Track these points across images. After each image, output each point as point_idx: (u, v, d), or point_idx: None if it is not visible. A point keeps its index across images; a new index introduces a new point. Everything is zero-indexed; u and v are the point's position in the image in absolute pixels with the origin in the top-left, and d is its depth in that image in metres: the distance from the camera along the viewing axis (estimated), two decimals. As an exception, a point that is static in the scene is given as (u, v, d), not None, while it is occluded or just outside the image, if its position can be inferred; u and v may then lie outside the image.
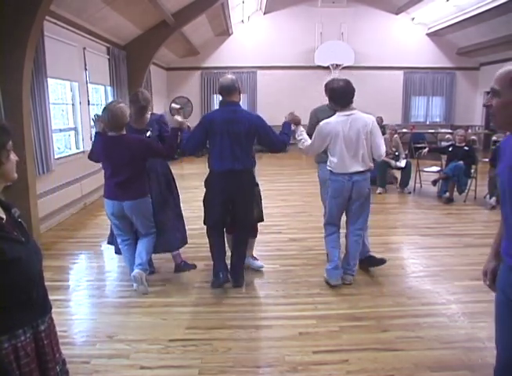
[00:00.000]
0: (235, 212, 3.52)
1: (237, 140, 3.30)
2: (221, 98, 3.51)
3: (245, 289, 3.55)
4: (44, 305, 1.44)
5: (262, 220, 3.85)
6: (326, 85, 3.49)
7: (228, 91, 3.37)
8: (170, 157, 3.53)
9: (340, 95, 3.36)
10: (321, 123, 3.40)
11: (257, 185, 3.76)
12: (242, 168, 3.37)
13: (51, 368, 1.42)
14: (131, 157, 3.26)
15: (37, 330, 1.39)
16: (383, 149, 3.47)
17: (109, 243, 3.97)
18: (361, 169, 3.38)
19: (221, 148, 3.32)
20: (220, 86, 3.41)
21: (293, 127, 3.55)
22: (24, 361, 1.31)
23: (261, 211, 3.81)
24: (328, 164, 3.49)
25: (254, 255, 4.01)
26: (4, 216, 1.35)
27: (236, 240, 3.61)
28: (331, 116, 4.52)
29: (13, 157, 1.41)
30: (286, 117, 3.60)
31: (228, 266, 3.58)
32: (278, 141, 3.45)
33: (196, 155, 3.48)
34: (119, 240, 3.59)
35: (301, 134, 3.55)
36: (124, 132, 3.30)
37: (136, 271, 3.37)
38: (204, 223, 3.59)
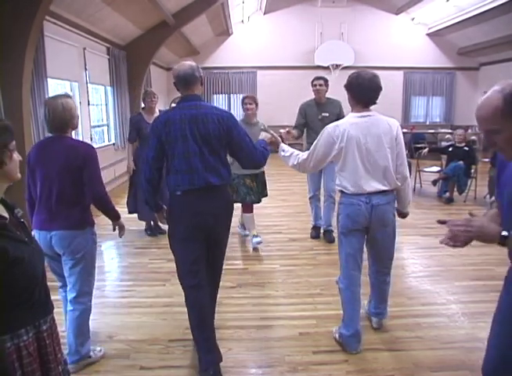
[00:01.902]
0: (209, 253, 2.49)
1: (207, 144, 2.35)
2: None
3: (245, 289, 3.55)
4: (46, 304, 1.44)
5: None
6: (351, 77, 2.66)
7: (186, 82, 2.39)
8: (93, 198, 2.48)
9: (368, 88, 2.58)
10: (328, 126, 2.63)
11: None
12: (219, 182, 2.40)
13: (53, 368, 1.43)
14: (69, 163, 2.34)
15: (40, 329, 1.39)
16: (407, 168, 2.70)
17: (130, 212, 4.85)
18: (382, 188, 2.56)
19: (187, 157, 2.34)
20: (176, 76, 2.41)
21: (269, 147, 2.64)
22: (27, 360, 1.32)
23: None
24: (337, 182, 2.68)
25: (255, 234, 4.41)
26: (7, 216, 1.36)
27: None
28: (316, 111, 4.47)
29: (16, 156, 1.41)
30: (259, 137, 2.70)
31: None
32: (257, 151, 2.47)
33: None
34: (59, 285, 2.64)
35: (287, 149, 2.72)
36: (69, 135, 2.46)
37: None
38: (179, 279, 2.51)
